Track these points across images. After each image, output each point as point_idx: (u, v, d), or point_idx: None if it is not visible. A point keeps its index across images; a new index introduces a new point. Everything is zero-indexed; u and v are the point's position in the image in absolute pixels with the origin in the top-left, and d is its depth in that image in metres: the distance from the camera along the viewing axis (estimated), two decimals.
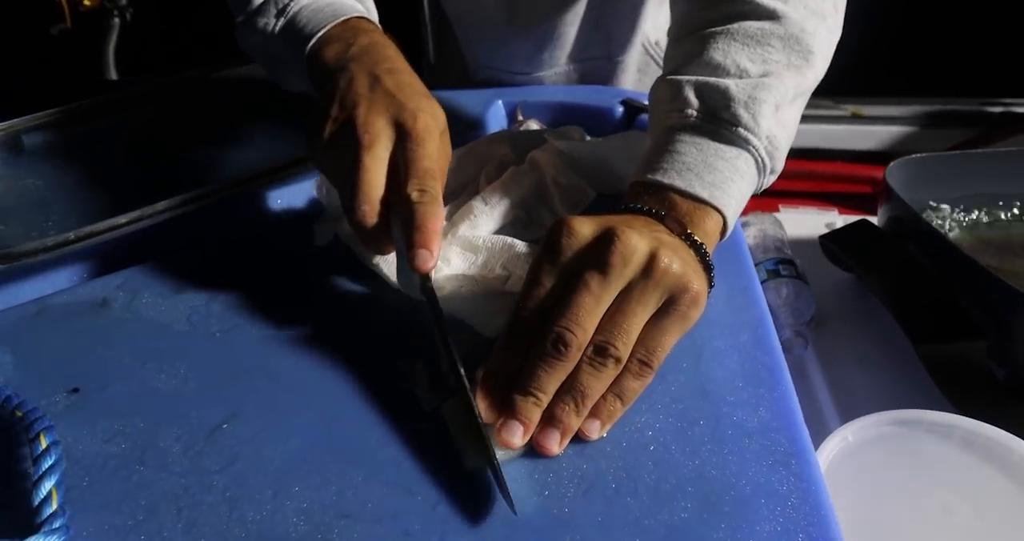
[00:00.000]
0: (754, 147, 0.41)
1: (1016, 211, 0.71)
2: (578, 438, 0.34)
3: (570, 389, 0.34)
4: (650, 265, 0.34)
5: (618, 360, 0.34)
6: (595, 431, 0.34)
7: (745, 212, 0.86)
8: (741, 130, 0.41)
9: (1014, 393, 0.52)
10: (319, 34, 0.48)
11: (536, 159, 0.52)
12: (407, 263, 0.39)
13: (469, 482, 0.33)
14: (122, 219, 0.48)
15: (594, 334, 0.34)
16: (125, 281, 0.47)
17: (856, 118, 1.30)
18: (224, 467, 0.34)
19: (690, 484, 0.32)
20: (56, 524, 0.30)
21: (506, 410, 0.34)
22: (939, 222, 0.70)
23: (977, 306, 0.53)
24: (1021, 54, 1.24)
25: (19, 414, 0.35)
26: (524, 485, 0.33)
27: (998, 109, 1.28)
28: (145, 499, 0.33)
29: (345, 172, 0.41)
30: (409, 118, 0.41)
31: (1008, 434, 0.40)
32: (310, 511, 0.32)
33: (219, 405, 0.37)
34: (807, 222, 0.86)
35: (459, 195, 0.52)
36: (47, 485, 0.32)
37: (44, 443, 0.33)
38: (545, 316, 0.35)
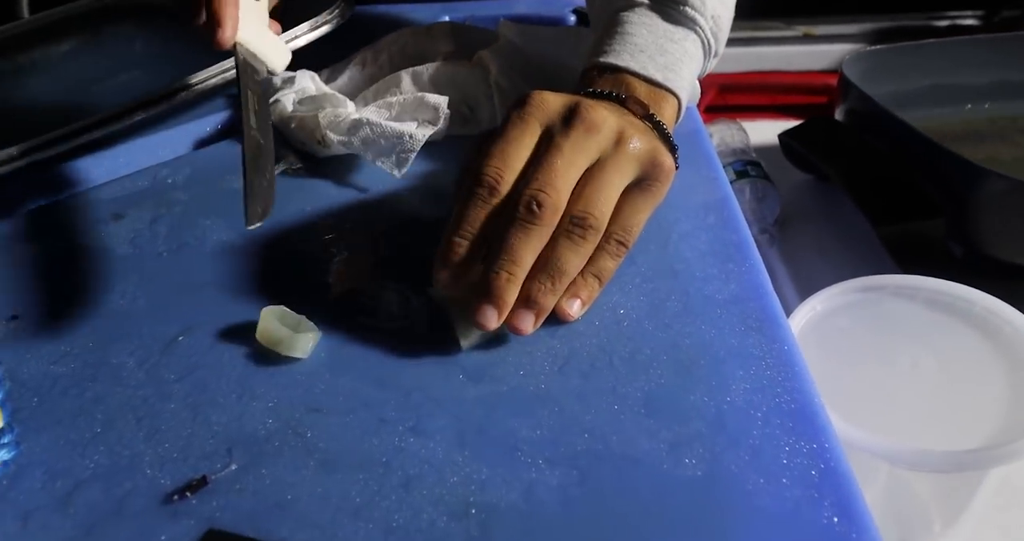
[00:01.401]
0: (700, 28, 0.41)
1: (970, 104, 0.72)
2: (556, 320, 0.33)
3: (545, 266, 0.32)
4: (620, 138, 0.33)
5: (596, 231, 0.32)
6: (576, 310, 0.33)
7: (707, 122, 0.85)
8: (688, 10, 0.41)
9: (971, 269, 0.53)
10: None
11: (482, 59, 0.50)
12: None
13: (442, 372, 0.32)
14: (62, 132, 0.45)
15: (571, 204, 0.32)
16: (56, 212, 0.45)
17: (808, 38, 1.29)
18: (183, 376, 0.32)
19: (664, 353, 0.32)
20: (5, 439, 0.28)
21: (479, 291, 0.32)
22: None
23: (936, 185, 0.53)
24: None
25: None
26: (499, 368, 0.32)
27: (944, 23, 1.29)
28: (101, 413, 0.31)
29: None
30: None
31: (969, 288, 0.40)
32: (278, 409, 0.31)
33: (172, 320, 0.35)
34: (765, 131, 0.86)
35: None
36: None
37: None
38: (517, 181, 0.32)
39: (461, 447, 0.28)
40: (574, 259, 0.32)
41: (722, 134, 0.77)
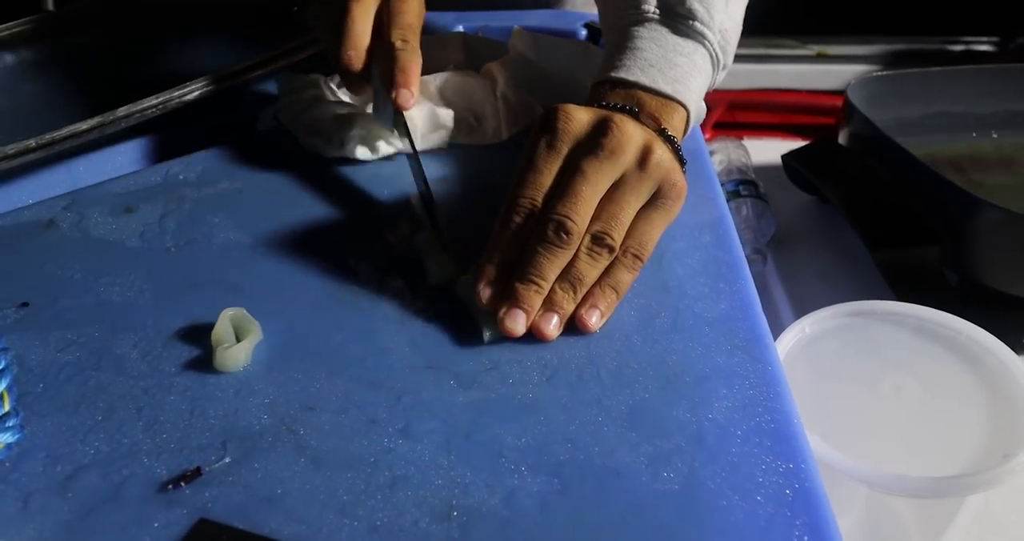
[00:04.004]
0: (709, 41, 0.42)
1: (975, 132, 0.72)
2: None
3: (567, 277, 0.35)
4: (644, 156, 0.35)
5: (612, 249, 0.35)
6: (595, 321, 0.35)
7: (711, 139, 0.86)
8: (697, 24, 0.42)
9: (966, 297, 0.53)
10: None
11: (491, 71, 0.51)
12: (388, 100, 0.42)
13: (434, 377, 0.33)
14: (83, 126, 0.46)
15: (591, 222, 0.35)
16: (72, 202, 0.46)
17: (821, 57, 1.30)
18: (183, 370, 0.34)
19: (651, 368, 0.33)
20: (10, 423, 0.30)
21: (508, 299, 0.34)
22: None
23: (933, 213, 0.54)
24: None
25: None
26: (489, 375, 0.33)
27: (958, 47, 1.30)
28: (103, 402, 0.32)
29: (334, 23, 0.44)
30: None
31: (956, 317, 0.41)
32: (274, 405, 0.32)
33: (177, 314, 0.37)
34: (771, 149, 0.86)
35: None
36: None
37: None
38: (544, 202, 0.35)
39: (447, 451, 0.29)
40: (591, 271, 0.35)
41: (726, 152, 0.78)
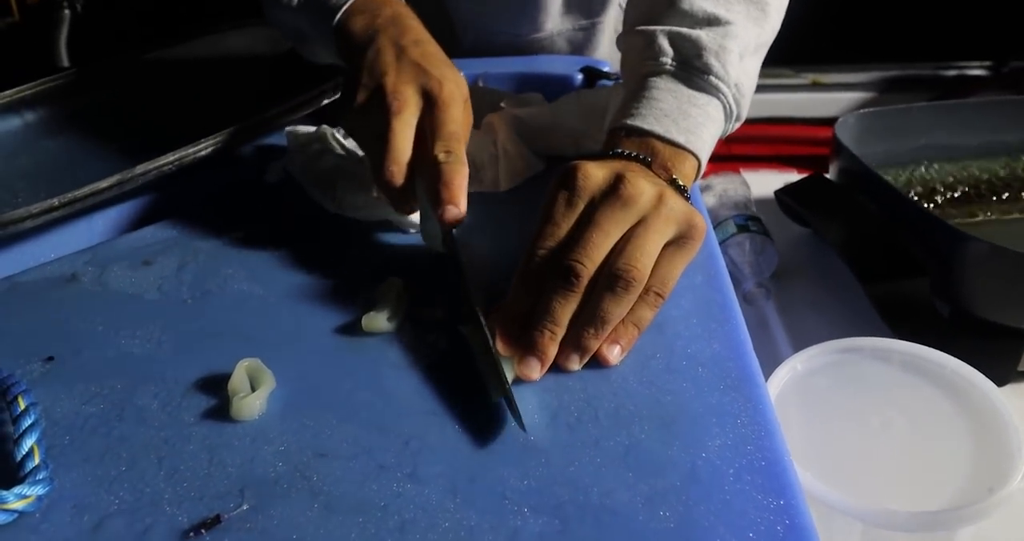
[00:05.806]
0: (723, 94, 0.44)
1: (958, 163, 0.74)
2: (553, 371, 0.36)
3: (591, 317, 0.36)
4: (659, 202, 0.37)
5: (639, 282, 0.36)
6: (616, 355, 0.36)
7: (708, 174, 0.88)
8: (712, 78, 0.44)
9: (958, 327, 0.55)
10: (344, 7, 0.49)
11: (491, 124, 0.53)
12: (434, 217, 0.41)
13: (439, 422, 0.34)
14: (103, 184, 0.49)
15: (614, 259, 0.36)
16: (93, 256, 0.48)
17: (816, 86, 1.33)
18: (201, 419, 0.35)
19: (646, 409, 0.34)
20: (40, 476, 0.31)
21: (524, 346, 0.36)
22: (887, 175, 0.73)
23: (921, 246, 0.56)
24: (971, 19, 1.28)
25: None
26: (493, 419, 0.34)
27: (952, 73, 1.32)
28: (126, 452, 0.34)
29: (375, 136, 0.43)
30: (435, 85, 0.43)
31: (942, 353, 0.43)
32: (288, 453, 0.33)
33: (194, 364, 0.38)
34: (767, 182, 0.88)
35: None
36: (28, 442, 0.32)
37: (22, 404, 0.34)
38: (560, 253, 0.37)
39: (453, 495, 0.31)
40: (616, 309, 0.36)
41: (724, 186, 0.80)
